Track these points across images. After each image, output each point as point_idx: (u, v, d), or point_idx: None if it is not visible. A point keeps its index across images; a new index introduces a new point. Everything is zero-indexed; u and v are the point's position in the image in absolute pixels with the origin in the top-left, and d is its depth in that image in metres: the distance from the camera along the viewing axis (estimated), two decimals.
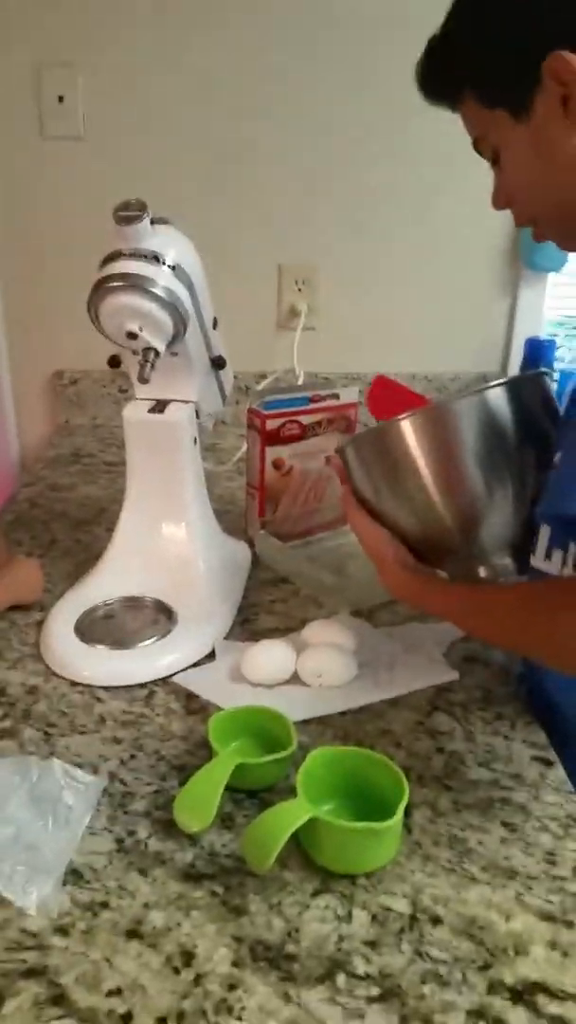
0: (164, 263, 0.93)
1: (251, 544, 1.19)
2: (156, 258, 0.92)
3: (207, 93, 1.54)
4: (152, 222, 0.92)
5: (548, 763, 0.81)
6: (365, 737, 0.84)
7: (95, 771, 0.78)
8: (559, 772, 0.80)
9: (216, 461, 1.52)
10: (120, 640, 0.95)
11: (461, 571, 0.86)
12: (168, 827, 0.72)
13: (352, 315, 1.68)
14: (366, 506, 0.89)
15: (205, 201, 1.56)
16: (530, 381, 0.86)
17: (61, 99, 1.54)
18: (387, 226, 1.63)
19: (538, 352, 1.61)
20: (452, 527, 0.83)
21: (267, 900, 0.66)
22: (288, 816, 0.66)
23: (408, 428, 0.82)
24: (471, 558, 0.85)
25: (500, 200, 0.85)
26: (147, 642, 0.94)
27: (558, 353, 1.68)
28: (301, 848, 0.69)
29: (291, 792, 0.76)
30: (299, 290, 1.65)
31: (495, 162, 0.83)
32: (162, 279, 0.92)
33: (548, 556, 0.81)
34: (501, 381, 0.82)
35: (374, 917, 0.65)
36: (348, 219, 1.62)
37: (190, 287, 0.95)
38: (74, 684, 0.91)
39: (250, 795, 0.76)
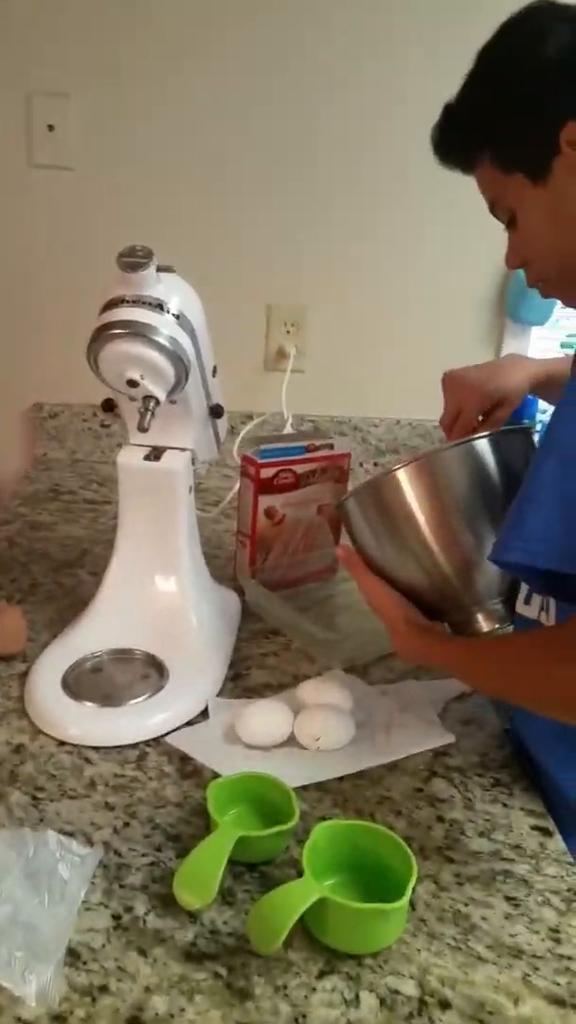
0: (168, 311, 0.91)
1: (240, 592, 1.17)
2: (160, 306, 0.91)
3: (199, 127, 1.54)
4: (157, 269, 0.91)
5: (547, 833, 0.80)
6: (365, 804, 0.82)
7: (88, 840, 0.76)
8: (558, 843, 0.79)
9: (201, 502, 1.49)
10: (109, 696, 0.92)
11: (461, 620, 0.89)
12: (167, 902, 0.70)
13: (339, 358, 1.68)
14: (371, 564, 0.90)
15: (194, 236, 1.55)
16: (516, 434, 0.90)
17: (51, 128, 1.52)
18: (377, 270, 1.64)
19: (520, 405, 1.61)
20: (452, 575, 0.86)
21: (272, 982, 0.64)
22: (296, 897, 0.64)
23: (404, 477, 0.86)
24: (469, 607, 0.88)
25: (515, 260, 0.88)
26: (138, 699, 0.92)
27: (540, 406, 1.69)
28: (305, 925, 0.67)
29: (292, 864, 0.74)
30: (288, 332, 1.64)
31: (510, 224, 0.85)
32: (166, 328, 0.90)
33: (528, 601, 0.87)
34: (489, 432, 0.87)
35: (382, 1001, 0.63)
36: (339, 262, 1.63)
37: (192, 336, 0.94)
38: (62, 743, 0.88)
39: (250, 868, 0.74)
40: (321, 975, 0.64)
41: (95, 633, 1.00)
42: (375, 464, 1.75)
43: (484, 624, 0.89)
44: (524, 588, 0.88)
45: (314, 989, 0.63)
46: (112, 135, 1.54)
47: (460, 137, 0.85)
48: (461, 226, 1.55)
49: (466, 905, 0.72)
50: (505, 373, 1.05)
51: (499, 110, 0.81)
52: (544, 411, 1.68)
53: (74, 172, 1.55)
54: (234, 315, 1.62)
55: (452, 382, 1.06)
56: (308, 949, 0.66)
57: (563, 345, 1.87)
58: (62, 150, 1.54)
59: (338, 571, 1.27)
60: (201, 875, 0.69)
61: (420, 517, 0.86)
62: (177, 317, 0.92)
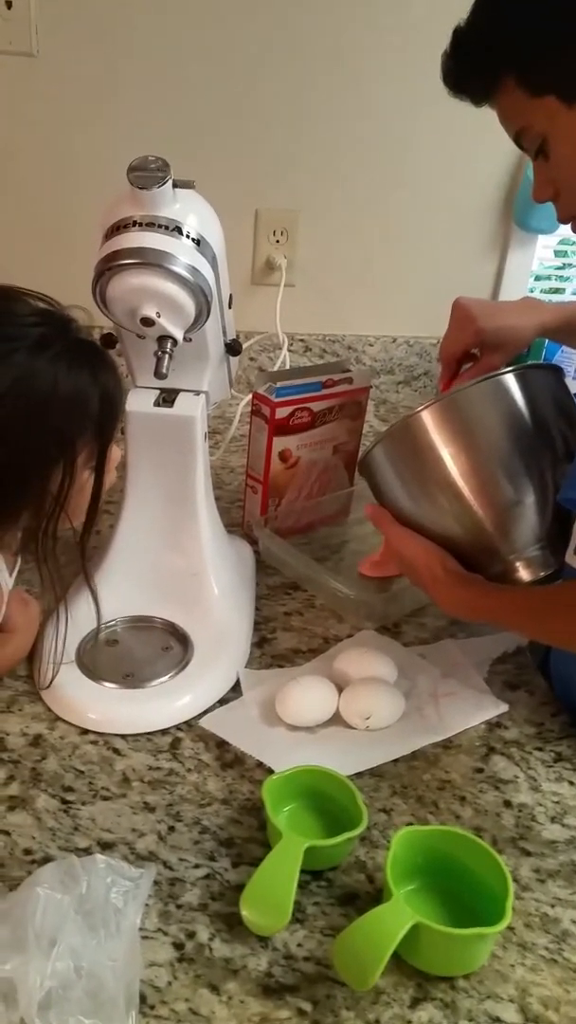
0: (187, 236, 0.78)
1: (252, 541, 1.08)
2: (178, 229, 0.78)
3: (179, 12, 1.34)
4: (173, 185, 0.77)
5: None
6: (426, 791, 0.76)
7: (132, 850, 0.68)
8: None
9: None
10: (131, 674, 0.83)
11: (500, 571, 0.83)
12: (231, 923, 0.63)
13: (331, 271, 1.54)
14: (400, 518, 0.85)
15: (172, 132, 1.37)
16: (544, 371, 0.86)
17: (9, 5, 1.31)
18: (374, 173, 1.48)
19: (527, 352, 1.51)
20: (487, 522, 0.81)
21: (363, 1016, 0.58)
22: (389, 926, 0.57)
23: (429, 418, 0.81)
24: (509, 556, 0.82)
25: (546, 192, 0.80)
26: (163, 679, 0.83)
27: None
28: None
29: (360, 868, 0.68)
30: (277, 242, 1.49)
31: (539, 153, 0.77)
32: (184, 255, 0.78)
33: (575, 553, 0.79)
34: (514, 368, 0.82)
35: None
36: (332, 163, 1.47)
37: (213, 263, 0.81)
38: (85, 731, 0.79)
39: (314, 875, 0.67)
40: (414, 1003, 0.58)
41: (106, 598, 0.89)
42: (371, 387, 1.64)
43: (525, 574, 0.83)
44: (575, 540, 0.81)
45: (409, 1021, 0.57)
46: (80, 18, 1.33)
47: (479, 61, 0.76)
48: (465, 126, 1.41)
49: (552, 907, 0.66)
50: (511, 315, 0.97)
51: (526, 24, 0.71)
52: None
53: (36, 59, 1.35)
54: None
55: (456, 311, 0.97)
56: (396, 972, 0.60)
57: (556, 252, 1.77)
58: (24, 32, 1.33)
59: (351, 512, 1.18)
60: (272, 896, 0.62)
61: (449, 460, 0.80)
62: (197, 242, 0.79)
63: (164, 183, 0.76)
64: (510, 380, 0.82)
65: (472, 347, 0.98)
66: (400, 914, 0.58)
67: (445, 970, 0.60)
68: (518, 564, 0.83)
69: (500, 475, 0.81)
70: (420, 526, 0.84)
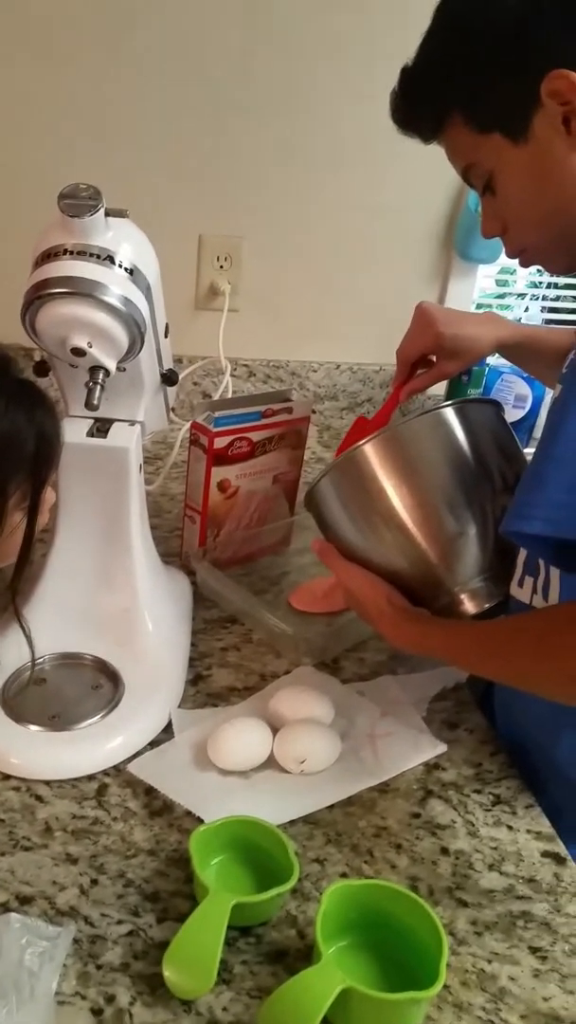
0: (119, 265, 0.76)
1: (189, 572, 1.05)
2: (110, 259, 0.76)
3: (119, 22, 1.32)
4: (106, 214, 0.75)
5: (560, 860, 0.74)
6: (361, 839, 0.74)
7: (51, 904, 0.65)
8: (573, 871, 0.73)
9: None
10: (58, 715, 0.80)
11: (446, 603, 0.82)
12: (153, 985, 0.60)
13: (276, 298, 1.53)
14: (347, 554, 0.84)
15: (113, 153, 1.35)
16: (485, 404, 0.86)
17: None
18: (318, 201, 1.47)
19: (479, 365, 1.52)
20: (431, 554, 0.81)
21: None
22: (316, 991, 0.55)
23: (371, 451, 0.81)
24: (454, 588, 0.82)
25: (494, 228, 0.80)
26: (92, 720, 0.80)
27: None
28: None
29: (291, 923, 0.66)
30: (221, 267, 1.48)
31: (487, 189, 0.77)
32: (117, 286, 0.75)
33: (520, 584, 0.81)
34: (455, 400, 0.83)
35: None
36: (277, 189, 1.45)
37: (147, 293, 0.79)
38: (7, 777, 0.75)
39: (243, 931, 0.64)
40: None
41: (34, 635, 0.85)
42: (313, 411, 1.63)
43: (470, 606, 0.82)
44: (519, 571, 0.81)
45: None
46: (18, 34, 1.30)
47: (426, 100, 0.76)
48: (409, 155, 1.41)
49: (489, 963, 0.64)
50: (471, 325, 0.97)
51: (470, 65, 0.71)
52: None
53: None
54: (160, 247, 1.44)
55: (418, 314, 0.98)
56: None
57: (497, 282, 1.78)
58: None
59: (292, 542, 1.16)
60: (196, 956, 0.59)
61: (392, 492, 0.80)
62: (130, 272, 0.77)
63: (96, 212, 0.73)
64: (450, 413, 0.82)
65: (430, 352, 0.98)
66: (329, 978, 0.55)
67: None
68: (463, 596, 0.82)
69: (442, 507, 0.80)
70: (366, 560, 0.83)
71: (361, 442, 0.81)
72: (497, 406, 0.88)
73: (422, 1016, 0.59)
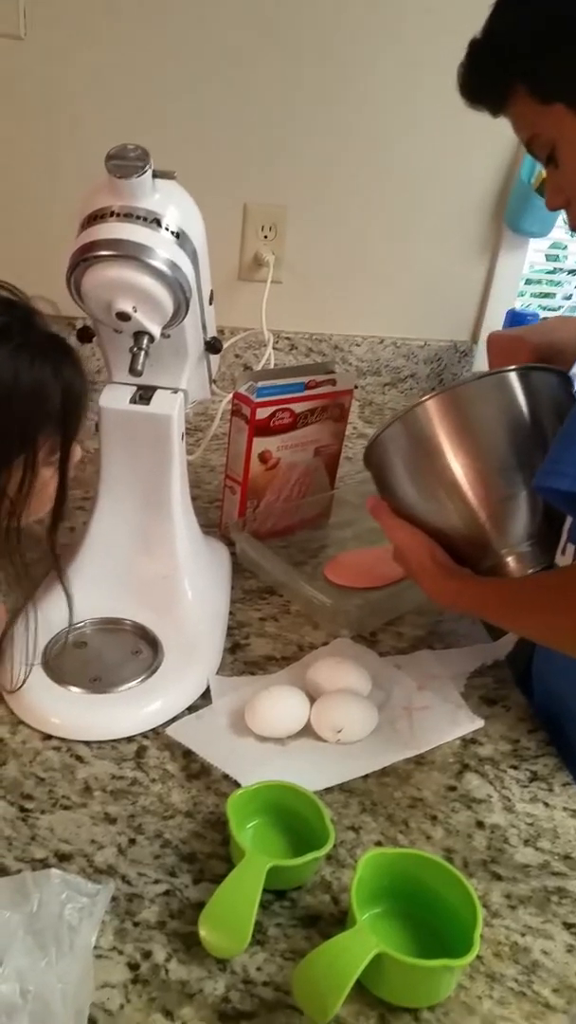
0: (166, 228, 0.76)
1: (228, 543, 1.05)
2: (156, 221, 0.75)
3: (174, 3, 1.31)
4: (153, 175, 0.75)
5: None
6: (396, 809, 0.74)
7: (90, 863, 0.65)
8: None
9: None
10: (98, 678, 0.81)
11: (491, 565, 0.82)
12: (189, 943, 0.60)
13: (320, 269, 1.52)
14: (398, 511, 0.85)
15: (160, 121, 1.35)
16: (549, 373, 0.85)
17: None
18: (364, 171, 1.46)
19: (520, 325, 1.50)
20: (481, 514, 0.81)
21: None
22: (350, 955, 0.55)
23: (433, 408, 0.81)
24: (501, 550, 0.82)
25: (557, 200, 0.80)
26: (131, 683, 0.80)
27: None
28: None
29: (324, 888, 0.66)
30: (265, 237, 1.47)
31: (550, 160, 0.77)
32: (163, 249, 0.75)
33: (563, 551, 0.83)
34: (519, 366, 0.82)
35: None
36: (322, 159, 1.44)
37: (193, 258, 0.79)
38: (48, 737, 0.76)
39: (278, 895, 0.65)
40: None
41: (76, 599, 0.86)
42: (355, 386, 1.62)
43: (515, 568, 0.82)
44: (563, 539, 0.83)
45: None
46: (70, 4, 1.29)
47: (493, 71, 0.76)
48: (458, 124, 1.38)
49: (523, 935, 0.64)
50: (553, 328, 0.95)
51: (535, 34, 0.72)
52: None
53: (24, 42, 1.31)
54: (205, 215, 1.43)
55: (495, 343, 0.96)
56: (358, 1001, 0.58)
57: (548, 256, 1.75)
58: (11, 16, 1.30)
59: (332, 516, 1.16)
60: (232, 917, 0.59)
61: (448, 450, 0.80)
62: (176, 235, 0.77)
63: (143, 173, 0.73)
64: (513, 378, 0.82)
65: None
66: (363, 943, 0.55)
67: (409, 1001, 0.58)
68: (509, 559, 0.82)
69: (496, 468, 0.80)
70: (418, 518, 0.84)
71: (424, 398, 0.82)
72: (563, 376, 0.87)
73: (454, 984, 0.59)
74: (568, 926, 0.65)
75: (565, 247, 1.73)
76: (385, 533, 0.86)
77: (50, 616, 0.85)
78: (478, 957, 0.62)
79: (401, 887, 0.63)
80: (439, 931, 0.61)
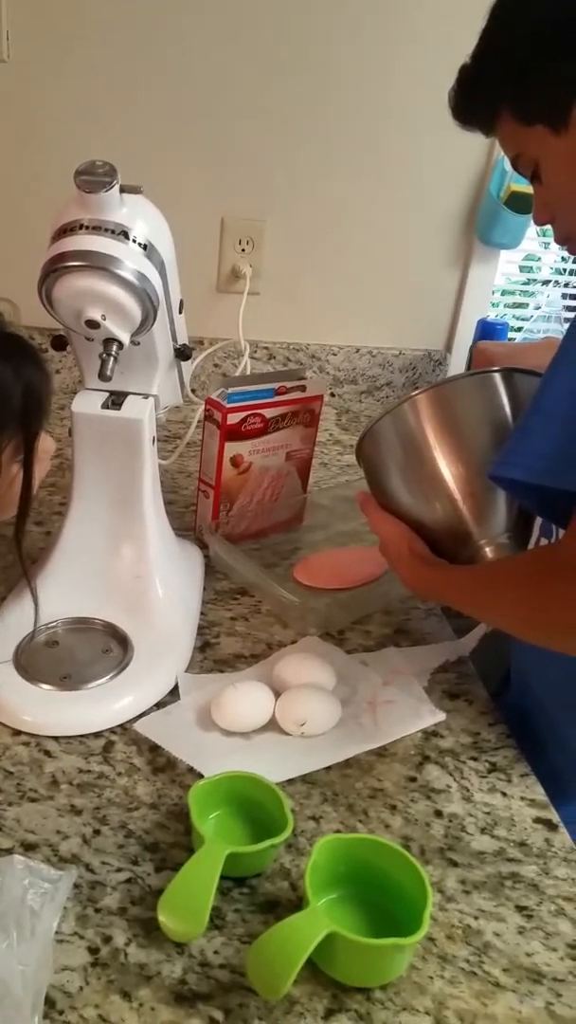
0: (134, 240, 0.78)
1: (202, 545, 1.08)
2: (124, 234, 0.78)
3: (148, 18, 1.34)
4: (121, 190, 0.77)
5: (552, 826, 0.75)
6: (356, 799, 0.76)
7: (55, 852, 0.67)
8: (565, 838, 0.74)
9: None
10: (69, 676, 0.83)
11: (469, 555, 0.87)
12: (149, 928, 0.62)
13: (297, 281, 1.55)
14: (383, 503, 0.91)
15: (141, 139, 1.38)
16: (532, 376, 0.87)
17: None
18: (340, 185, 1.49)
19: (490, 334, 1.53)
20: (462, 503, 0.85)
21: None
22: (302, 934, 0.57)
23: (421, 403, 0.86)
24: (480, 541, 0.86)
25: (543, 216, 0.85)
26: (101, 680, 0.82)
27: (509, 336, 1.61)
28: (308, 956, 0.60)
29: (283, 875, 0.68)
30: (243, 250, 1.50)
31: (535, 178, 0.82)
32: (131, 260, 0.78)
33: (536, 544, 0.89)
34: (503, 368, 0.88)
35: None
36: (299, 173, 1.47)
37: (161, 268, 0.81)
38: (17, 733, 0.78)
39: (237, 882, 0.67)
40: (328, 1015, 0.58)
41: (49, 600, 0.89)
42: (332, 394, 1.65)
43: (492, 558, 0.86)
44: (536, 533, 0.89)
45: None
46: (51, 25, 1.33)
47: (478, 96, 0.81)
48: (430, 139, 1.43)
49: (476, 919, 0.66)
50: (535, 353, 0.99)
51: (514, 61, 0.77)
52: None
53: (7, 64, 1.34)
54: (183, 229, 1.45)
55: (476, 356, 1.02)
56: (311, 981, 0.60)
57: (521, 268, 1.79)
58: None
59: (305, 519, 1.19)
60: (190, 901, 0.61)
61: (433, 443, 0.85)
62: (144, 247, 0.79)
63: (111, 188, 0.76)
64: (496, 378, 0.87)
65: None
66: (315, 923, 0.57)
67: (361, 981, 0.60)
68: (487, 549, 0.85)
69: (476, 462, 0.84)
70: (402, 509, 0.89)
71: (413, 393, 0.86)
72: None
73: (406, 964, 0.61)
74: (520, 909, 0.67)
75: (539, 259, 1.76)
76: (370, 526, 0.91)
77: (21, 616, 0.87)
78: (431, 939, 0.64)
79: (357, 873, 0.65)
80: (394, 915, 0.63)
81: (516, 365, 0.94)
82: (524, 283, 1.78)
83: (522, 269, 1.80)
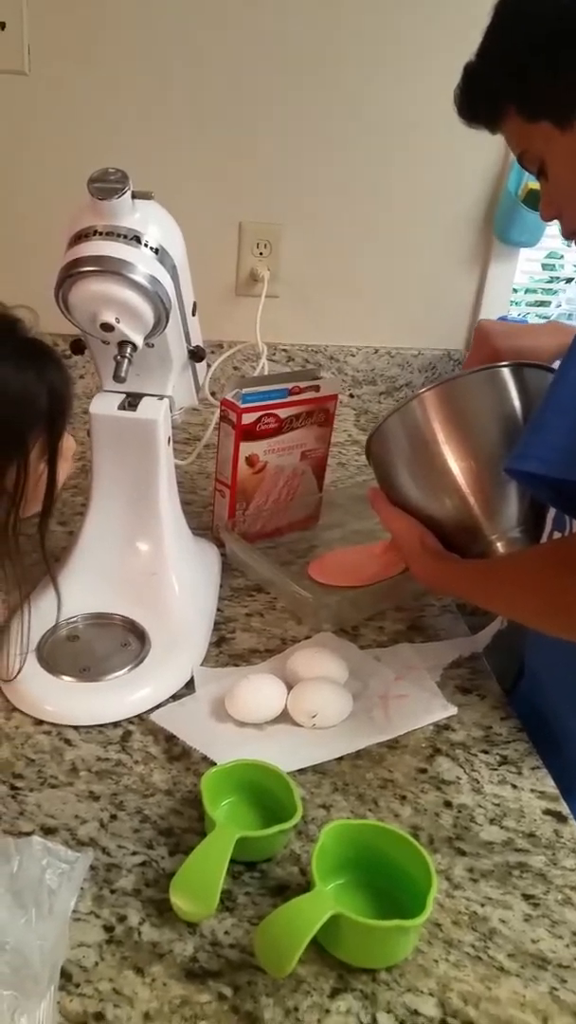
0: (146, 245, 0.81)
1: (219, 544, 1.10)
2: (137, 239, 0.80)
3: (166, 28, 1.37)
4: (132, 196, 0.80)
5: (561, 818, 0.76)
6: (367, 789, 0.77)
7: (73, 836, 0.70)
8: (574, 829, 0.75)
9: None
10: (88, 668, 0.85)
11: (480, 551, 0.87)
12: (162, 909, 0.64)
13: (315, 283, 1.57)
14: (394, 500, 0.92)
15: (159, 146, 1.41)
16: (541, 370, 0.89)
17: (3, 26, 1.35)
18: (357, 187, 1.51)
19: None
20: (472, 501, 0.86)
21: (282, 1004, 0.59)
22: (308, 915, 0.59)
23: (429, 399, 0.87)
24: (491, 536, 0.87)
25: (550, 211, 0.85)
26: (119, 672, 0.85)
27: None
28: (315, 937, 0.62)
29: (294, 861, 0.69)
30: (260, 254, 1.52)
31: (541, 173, 0.83)
32: (143, 264, 0.80)
33: (548, 538, 0.90)
34: (512, 363, 0.88)
35: (401, 1023, 0.58)
36: (316, 177, 1.49)
37: (173, 272, 0.84)
38: (39, 722, 0.81)
39: (248, 866, 0.69)
40: (334, 994, 0.60)
41: (70, 596, 0.91)
42: (351, 395, 1.67)
43: (504, 553, 0.87)
44: (548, 527, 0.90)
45: (328, 1011, 0.59)
46: (70, 39, 1.36)
47: (484, 94, 0.82)
48: (447, 139, 1.44)
49: (483, 905, 0.67)
50: (534, 335, 0.99)
51: (518, 59, 0.77)
52: None
53: (28, 78, 1.38)
54: (201, 234, 1.48)
55: (479, 332, 1.00)
56: (318, 962, 0.62)
57: (544, 266, 1.79)
58: (15, 52, 1.36)
59: (321, 518, 1.20)
60: (200, 883, 0.63)
61: (443, 439, 0.86)
62: (156, 251, 0.81)
63: (123, 194, 0.78)
64: (505, 373, 0.87)
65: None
66: (320, 904, 0.59)
67: (366, 962, 0.61)
68: (499, 544, 0.86)
69: (486, 457, 0.85)
70: (412, 504, 0.90)
71: (421, 390, 0.87)
72: (553, 373, 0.90)
73: (411, 947, 0.63)
74: (527, 897, 0.69)
75: (561, 256, 1.77)
76: (381, 522, 0.93)
77: (44, 611, 0.89)
78: (437, 924, 0.65)
79: (364, 859, 0.66)
80: (399, 901, 0.64)
81: (514, 345, 0.94)
82: (548, 281, 1.78)
83: (544, 267, 1.80)
